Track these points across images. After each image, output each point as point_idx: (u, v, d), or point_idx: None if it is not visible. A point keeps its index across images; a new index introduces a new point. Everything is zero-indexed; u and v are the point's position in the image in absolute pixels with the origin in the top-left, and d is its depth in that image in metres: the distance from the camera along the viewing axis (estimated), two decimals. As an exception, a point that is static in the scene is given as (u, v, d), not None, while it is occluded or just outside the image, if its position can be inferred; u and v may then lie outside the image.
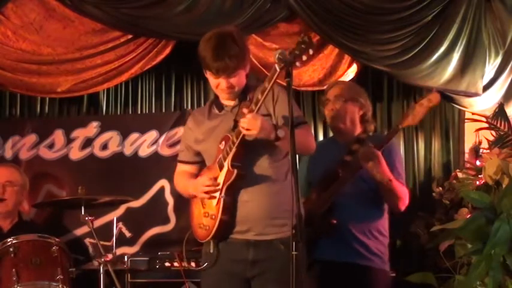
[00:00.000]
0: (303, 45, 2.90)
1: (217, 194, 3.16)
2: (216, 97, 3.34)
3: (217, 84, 3.20)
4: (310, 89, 5.20)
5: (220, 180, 3.17)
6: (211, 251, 3.24)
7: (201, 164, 3.38)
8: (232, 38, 3.14)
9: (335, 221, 3.54)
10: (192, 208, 3.35)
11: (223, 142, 3.18)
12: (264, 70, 4.84)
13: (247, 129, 3.01)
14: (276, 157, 3.18)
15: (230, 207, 3.16)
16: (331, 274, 3.58)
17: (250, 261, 3.17)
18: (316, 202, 3.60)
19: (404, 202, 3.63)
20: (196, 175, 3.34)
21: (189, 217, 3.38)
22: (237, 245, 3.19)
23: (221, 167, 3.17)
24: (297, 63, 2.89)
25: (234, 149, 3.11)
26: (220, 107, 3.29)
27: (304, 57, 2.89)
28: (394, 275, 4.00)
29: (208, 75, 3.21)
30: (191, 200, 3.37)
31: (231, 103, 3.26)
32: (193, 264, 4.34)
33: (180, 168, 3.44)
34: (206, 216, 3.23)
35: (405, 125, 3.48)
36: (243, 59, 3.17)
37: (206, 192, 3.18)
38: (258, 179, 3.16)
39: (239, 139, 3.08)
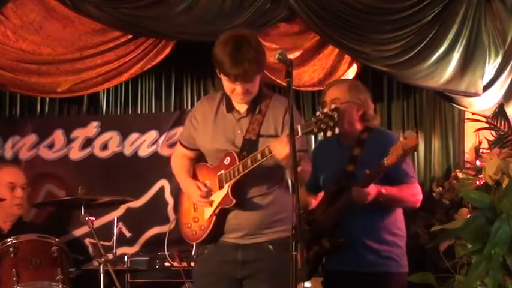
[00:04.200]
0: (331, 122, 2.86)
1: (210, 210, 3.19)
2: None
3: (233, 89, 3.14)
4: (310, 89, 5.20)
5: (216, 198, 3.19)
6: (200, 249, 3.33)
7: (200, 151, 3.36)
8: (248, 42, 3.05)
9: (342, 240, 3.48)
10: (183, 202, 3.38)
11: (228, 159, 3.16)
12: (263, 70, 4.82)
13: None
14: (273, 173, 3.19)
15: (221, 222, 3.19)
16: (346, 285, 3.52)
17: (240, 262, 3.19)
18: (321, 217, 3.55)
19: (414, 201, 3.52)
20: (194, 160, 3.36)
21: (179, 208, 3.41)
22: (226, 247, 3.21)
23: (221, 186, 3.18)
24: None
25: (238, 177, 3.12)
26: (230, 108, 3.24)
27: (329, 133, 2.87)
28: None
29: (224, 79, 3.13)
30: (183, 191, 3.39)
31: (241, 108, 3.21)
32: (192, 264, 4.34)
33: (180, 149, 3.43)
34: (196, 221, 3.27)
35: (391, 162, 3.37)
36: (261, 64, 3.10)
37: (198, 200, 3.22)
38: (251, 193, 3.17)
39: (248, 170, 3.08)
